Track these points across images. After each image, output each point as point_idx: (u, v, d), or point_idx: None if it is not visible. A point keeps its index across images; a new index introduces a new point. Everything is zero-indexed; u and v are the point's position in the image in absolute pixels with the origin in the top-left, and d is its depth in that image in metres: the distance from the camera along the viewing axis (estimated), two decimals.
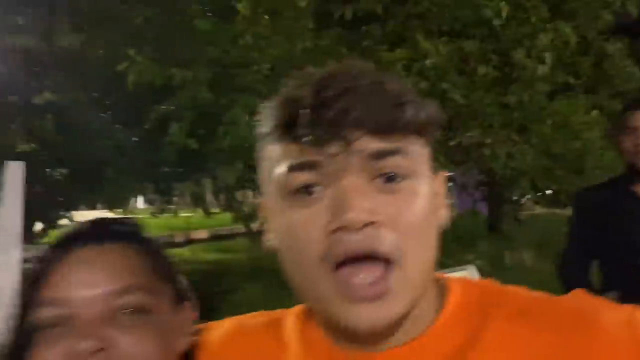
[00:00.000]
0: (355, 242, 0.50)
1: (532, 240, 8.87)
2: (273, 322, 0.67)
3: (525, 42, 5.86)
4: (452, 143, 5.94)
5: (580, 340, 0.52)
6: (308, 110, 0.51)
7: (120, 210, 9.56)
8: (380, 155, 0.52)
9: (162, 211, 9.69)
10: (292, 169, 0.53)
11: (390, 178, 0.53)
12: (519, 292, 0.60)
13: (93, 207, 15.15)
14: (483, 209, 10.98)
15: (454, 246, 8.28)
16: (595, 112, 6.64)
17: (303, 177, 0.53)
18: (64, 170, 10.68)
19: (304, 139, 0.52)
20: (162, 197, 9.05)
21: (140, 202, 13.21)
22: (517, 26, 5.74)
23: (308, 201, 0.53)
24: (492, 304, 0.58)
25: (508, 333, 0.55)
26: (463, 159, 6.77)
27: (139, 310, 0.63)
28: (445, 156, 6.16)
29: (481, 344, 0.55)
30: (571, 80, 6.23)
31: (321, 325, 0.60)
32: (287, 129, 0.53)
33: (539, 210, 11.85)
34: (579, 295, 0.59)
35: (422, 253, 0.54)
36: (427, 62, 5.14)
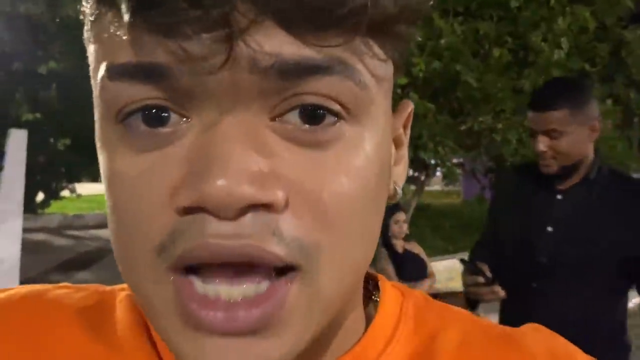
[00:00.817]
0: (221, 239, 0.27)
1: None
2: (95, 309, 0.41)
3: (542, 26, 5.73)
4: (462, 127, 5.84)
5: None
6: None
7: None
8: (300, 72, 0.28)
9: None
10: (118, 74, 0.28)
11: (312, 118, 0.29)
12: (461, 316, 0.46)
13: (95, 180, 15.16)
14: (489, 195, 10.92)
15: (458, 233, 8.23)
16: (609, 101, 6.53)
17: (140, 93, 0.28)
18: (66, 141, 10.64)
19: (151, 20, 0.26)
20: None
21: None
22: (534, 9, 5.60)
23: (150, 139, 0.29)
24: (437, 327, 0.43)
25: None
26: (473, 144, 6.67)
27: None
28: (455, 141, 6.07)
29: None
30: (587, 67, 6.10)
31: None
32: None
33: None
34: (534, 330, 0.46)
35: (351, 252, 0.31)
36: (442, 41, 5.02)
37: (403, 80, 4.80)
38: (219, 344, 0.28)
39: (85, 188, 14.15)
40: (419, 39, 4.96)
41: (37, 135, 7.33)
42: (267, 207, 0.27)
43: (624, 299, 1.73)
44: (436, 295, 3.74)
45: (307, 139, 0.29)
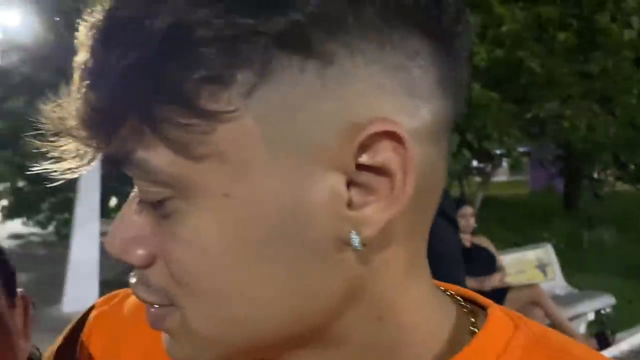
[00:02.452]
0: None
1: (612, 218, 8.42)
2: None
3: (609, 6, 5.47)
4: (528, 115, 5.66)
5: None
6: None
7: None
8: (116, 167, 0.33)
9: None
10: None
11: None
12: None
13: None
14: (559, 185, 10.53)
15: (526, 225, 7.98)
16: None
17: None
18: None
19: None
20: None
21: None
22: None
23: None
24: None
25: None
26: (539, 132, 6.46)
27: None
28: (520, 129, 5.89)
29: None
30: None
31: None
32: None
33: (621, 186, 11.20)
34: None
35: (210, 308, 0.35)
36: (503, 28, 4.89)
37: None
38: None
39: None
40: (479, 26, 4.87)
41: None
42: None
43: None
44: (508, 289, 3.65)
45: (156, 212, 0.33)
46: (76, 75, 0.31)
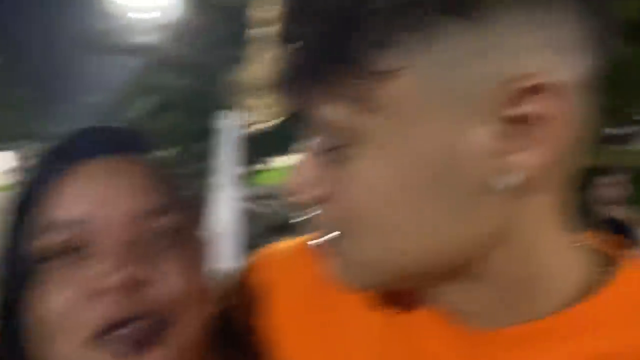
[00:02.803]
0: None
1: None
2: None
3: None
4: None
5: None
6: None
7: None
8: None
9: None
10: None
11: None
12: None
13: (299, 151, 16.21)
14: None
15: None
16: None
17: None
18: None
19: None
20: None
21: None
22: None
23: None
24: None
25: None
26: None
27: (171, 234, 0.50)
28: None
29: None
30: None
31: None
32: None
33: None
34: None
35: (372, 240, 0.40)
36: None
37: None
38: None
39: (281, 161, 15.28)
40: None
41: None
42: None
43: None
44: None
45: (331, 158, 0.39)
46: (269, 43, 0.38)
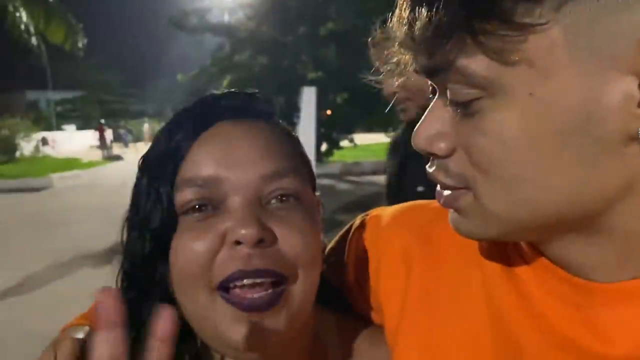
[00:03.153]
0: None
1: None
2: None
3: None
4: None
5: None
6: None
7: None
8: None
9: None
10: None
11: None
12: None
13: (369, 130, 16.17)
14: None
15: None
16: None
17: None
18: (345, 96, 11.55)
19: None
20: None
21: None
22: None
23: None
24: None
25: None
26: None
27: (292, 196, 0.54)
28: None
29: None
30: None
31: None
32: None
33: None
34: None
35: (504, 189, 0.41)
36: None
37: None
38: None
39: (361, 138, 15.27)
40: None
41: (319, 91, 8.16)
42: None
43: None
44: None
45: (462, 111, 0.40)
46: (406, 2, 0.40)
